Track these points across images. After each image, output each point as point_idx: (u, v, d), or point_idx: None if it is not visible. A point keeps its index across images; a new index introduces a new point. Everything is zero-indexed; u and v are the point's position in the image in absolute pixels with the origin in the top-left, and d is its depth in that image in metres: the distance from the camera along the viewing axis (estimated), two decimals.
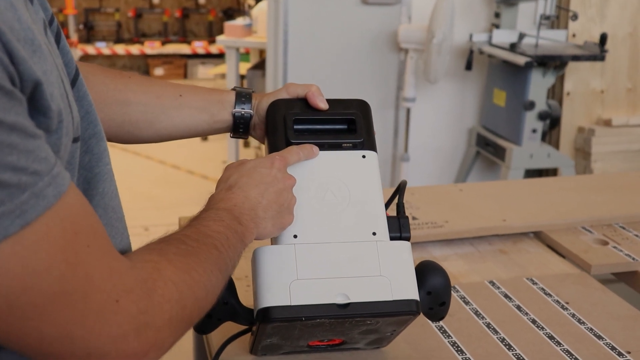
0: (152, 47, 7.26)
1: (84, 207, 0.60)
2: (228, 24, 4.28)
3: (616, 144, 3.42)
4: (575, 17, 3.13)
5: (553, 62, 3.03)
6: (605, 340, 1.08)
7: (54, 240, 0.54)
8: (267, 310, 0.80)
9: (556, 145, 3.51)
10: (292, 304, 0.80)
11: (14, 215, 0.51)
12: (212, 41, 7.18)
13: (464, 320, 1.13)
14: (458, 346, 1.05)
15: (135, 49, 7.22)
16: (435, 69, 3.06)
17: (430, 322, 1.08)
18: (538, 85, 3.06)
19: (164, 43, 7.39)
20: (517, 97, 3.13)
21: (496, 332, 1.10)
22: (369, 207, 0.89)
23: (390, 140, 3.47)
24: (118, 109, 0.95)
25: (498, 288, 1.24)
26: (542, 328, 1.12)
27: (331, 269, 0.83)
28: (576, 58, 3.04)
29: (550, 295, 1.22)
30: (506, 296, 1.21)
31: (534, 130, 3.12)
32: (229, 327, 0.91)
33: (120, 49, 7.21)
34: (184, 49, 7.32)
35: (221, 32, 5.59)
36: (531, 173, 3.33)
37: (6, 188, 0.51)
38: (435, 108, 3.50)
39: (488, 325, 1.12)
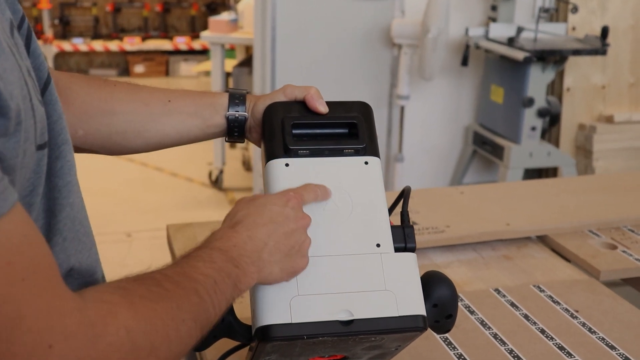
0: (131, 43, 7.16)
1: (28, 235, 0.55)
2: (213, 19, 4.25)
3: (618, 141, 3.42)
4: (575, 9, 3.16)
5: (552, 57, 3.05)
6: (619, 350, 1.06)
7: None
8: (266, 328, 0.78)
9: (556, 143, 3.51)
10: (292, 322, 0.78)
11: None
12: (195, 36, 7.12)
13: (469, 331, 1.11)
14: (465, 358, 1.04)
15: (114, 45, 7.12)
16: (430, 65, 3.03)
17: (435, 333, 1.06)
18: (537, 81, 3.06)
19: (144, 39, 7.28)
20: (516, 93, 3.12)
21: (504, 343, 1.09)
22: (372, 217, 0.86)
23: (384, 140, 3.45)
24: (104, 119, 0.93)
25: (504, 296, 1.23)
26: (552, 338, 1.10)
27: (333, 283, 0.81)
28: (577, 52, 3.04)
29: (558, 303, 1.20)
30: (513, 305, 1.20)
31: (533, 128, 3.11)
32: (224, 341, 0.88)
33: (98, 45, 7.10)
34: (165, 45, 7.23)
35: (204, 27, 5.53)
36: (530, 172, 3.34)
37: None
38: (430, 106, 3.49)
39: (495, 336, 1.10)
